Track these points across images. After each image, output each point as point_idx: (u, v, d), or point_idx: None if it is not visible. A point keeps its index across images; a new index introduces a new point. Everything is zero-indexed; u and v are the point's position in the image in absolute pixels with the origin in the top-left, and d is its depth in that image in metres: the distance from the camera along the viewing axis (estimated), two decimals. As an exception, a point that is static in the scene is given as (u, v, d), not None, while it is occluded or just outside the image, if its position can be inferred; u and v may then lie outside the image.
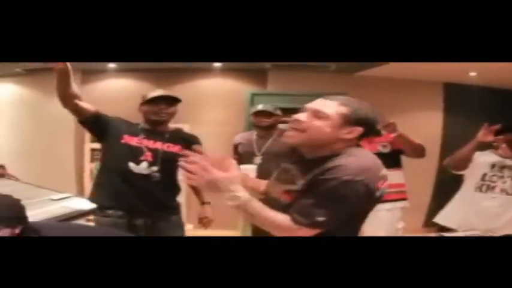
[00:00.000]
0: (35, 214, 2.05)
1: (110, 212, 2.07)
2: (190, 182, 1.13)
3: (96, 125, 2.11)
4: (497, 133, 2.41)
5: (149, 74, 4.48)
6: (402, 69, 3.78)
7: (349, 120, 1.14)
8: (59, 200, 2.48)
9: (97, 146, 4.46)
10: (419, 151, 2.55)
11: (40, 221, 1.56)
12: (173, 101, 2.17)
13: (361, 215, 1.16)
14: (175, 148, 2.17)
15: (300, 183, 1.14)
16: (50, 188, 2.78)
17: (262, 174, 1.98)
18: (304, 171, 1.15)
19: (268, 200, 1.22)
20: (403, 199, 2.71)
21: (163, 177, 2.11)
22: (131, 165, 2.07)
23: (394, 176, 2.76)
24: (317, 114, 1.14)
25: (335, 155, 1.13)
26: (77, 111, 2.03)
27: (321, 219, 1.06)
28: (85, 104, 2.04)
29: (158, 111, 2.12)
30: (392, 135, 2.52)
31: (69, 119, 4.50)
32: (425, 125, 4.26)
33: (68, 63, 1.81)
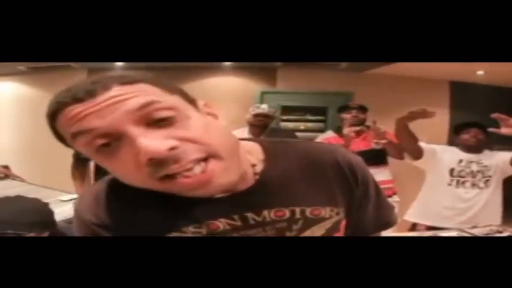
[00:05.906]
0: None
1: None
2: None
3: None
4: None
5: (157, 72, 4.40)
6: (409, 68, 3.74)
7: None
8: (69, 200, 2.46)
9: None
10: (403, 154, 2.65)
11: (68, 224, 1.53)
12: None
13: None
14: None
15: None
16: (56, 189, 2.75)
17: None
18: None
19: None
20: (394, 194, 2.84)
21: None
22: None
23: (385, 174, 2.86)
24: None
25: None
26: None
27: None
28: None
29: None
30: (382, 141, 2.60)
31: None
32: (432, 123, 4.23)
33: None
